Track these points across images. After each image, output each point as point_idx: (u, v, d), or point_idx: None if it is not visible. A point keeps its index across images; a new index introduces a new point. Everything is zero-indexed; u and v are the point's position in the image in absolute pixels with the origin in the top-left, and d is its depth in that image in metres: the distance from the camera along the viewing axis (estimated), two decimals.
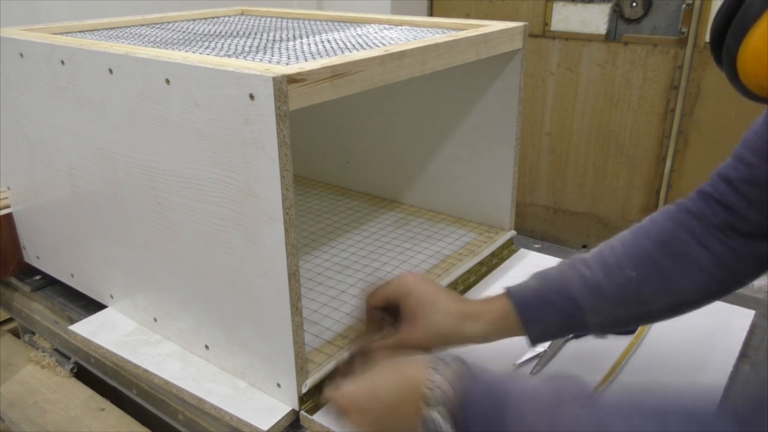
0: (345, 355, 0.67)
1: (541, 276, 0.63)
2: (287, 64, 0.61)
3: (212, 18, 1.04)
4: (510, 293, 0.62)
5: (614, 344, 0.74)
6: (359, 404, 0.53)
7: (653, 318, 0.64)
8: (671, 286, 0.59)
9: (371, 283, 0.68)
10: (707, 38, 1.92)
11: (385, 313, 0.66)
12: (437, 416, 0.48)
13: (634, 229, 0.63)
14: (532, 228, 2.43)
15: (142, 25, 0.94)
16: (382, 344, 0.63)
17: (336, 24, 0.95)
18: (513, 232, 0.99)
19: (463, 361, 0.50)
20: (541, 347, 0.74)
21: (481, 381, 0.48)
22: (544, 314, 0.61)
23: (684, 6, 1.94)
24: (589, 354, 0.73)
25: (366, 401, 0.53)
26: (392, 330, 0.64)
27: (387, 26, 0.92)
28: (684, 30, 1.95)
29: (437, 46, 0.71)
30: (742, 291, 0.95)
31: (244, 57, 0.66)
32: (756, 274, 0.59)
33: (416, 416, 0.49)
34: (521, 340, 0.62)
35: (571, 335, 0.65)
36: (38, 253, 0.95)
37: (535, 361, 0.72)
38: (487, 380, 0.49)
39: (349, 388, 0.55)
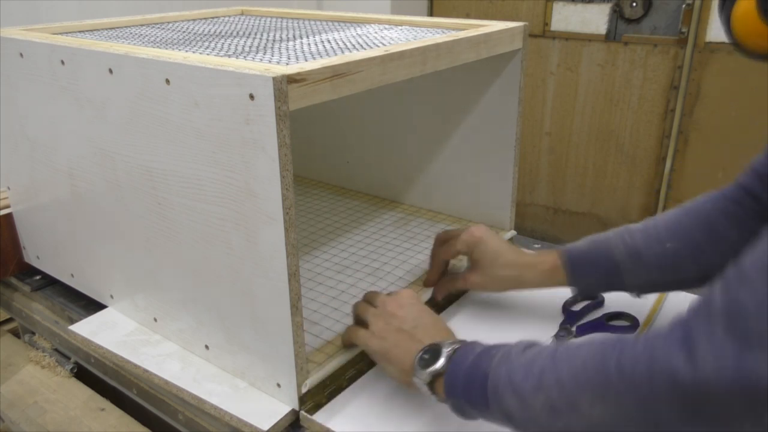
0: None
1: (591, 239, 0.73)
2: (287, 64, 0.61)
3: (212, 18, 1.04)
4: (561, 251, 0.73)
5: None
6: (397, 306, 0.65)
7: (683, 285, 0.71)
8: (702, 259, 0.67)
9: (442, 230, 0.84)
10: (707, 38, 1.92)
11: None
12: (441, 348, 0.58)
13: (678, 208, 0.71)
14: (532, 228, 2.43)
15: (142, 25, 0.94)
16: (451, 284, 0.79)
17: (336, 24, 0.95)
18: (513, 232, 0.99)
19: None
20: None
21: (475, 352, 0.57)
22: (587, 271, 0.71)
23: (684, 6, 1.94)
24: None
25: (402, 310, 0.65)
26: (464, 272, 0.78)
27: (387, 26, 0.92)
28: (684, 30, 1.95)
29: (437, 46, 0.71)
30: None
31: (244, 57, 0.66)
32: None
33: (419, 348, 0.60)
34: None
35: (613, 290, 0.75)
36: (38, 253, 0.95)
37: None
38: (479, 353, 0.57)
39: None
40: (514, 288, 0.76)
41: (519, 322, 0.80)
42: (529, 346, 0.54)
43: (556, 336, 0.77)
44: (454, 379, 0.56)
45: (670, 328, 0.43)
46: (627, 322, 0.79)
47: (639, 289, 0.71)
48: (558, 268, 0.72)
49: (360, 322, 0.69)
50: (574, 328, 0.78)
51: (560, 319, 0.80)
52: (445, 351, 0.58)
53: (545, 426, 0.50)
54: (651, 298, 0.82)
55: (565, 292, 0.76)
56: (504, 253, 0.75)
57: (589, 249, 0.72)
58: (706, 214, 0.68)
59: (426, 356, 0.58)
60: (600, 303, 0.82)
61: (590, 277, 0.71)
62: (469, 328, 0.79)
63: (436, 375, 0.57)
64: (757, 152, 0.68)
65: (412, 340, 0.61)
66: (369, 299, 0.70)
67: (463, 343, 0.58)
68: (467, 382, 0.55)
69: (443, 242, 0.80)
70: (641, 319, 0.79)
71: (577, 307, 0.82)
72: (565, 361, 0.49)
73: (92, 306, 0.86)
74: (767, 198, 0.64)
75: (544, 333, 0.77)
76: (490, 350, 0.56)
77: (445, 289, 0.80)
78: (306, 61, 0.63)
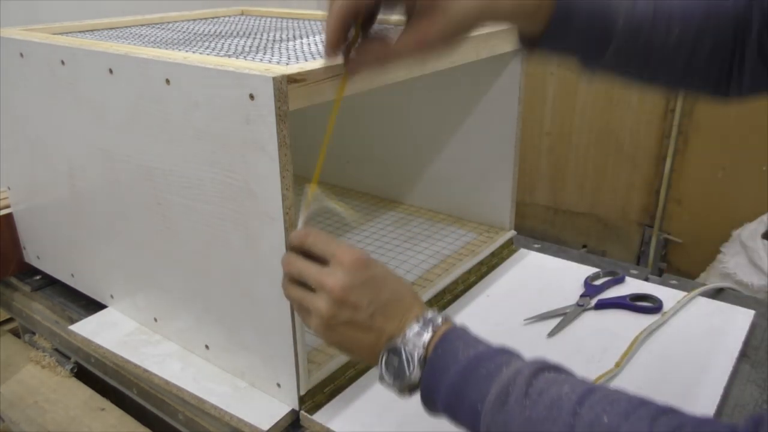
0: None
1: None
2: (287, 64, 0.61)
3: (212, 18, 1.04)
4: None
5: (617, 341, 0.74)
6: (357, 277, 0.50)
7: (652, 81, 0.59)
8: (693, 65, 0.55)
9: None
10: None
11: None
12: (411, 350, 0.48)
13: None
14: (532, 228, 2.43)
15: (142, 25, 0.94)
16: (393, 48, 0.51)
17: None
18: (513, 232, 0.99)
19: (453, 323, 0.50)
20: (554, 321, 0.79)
21: (462, 341, 0.48)
22: (576, 25, 0.54)
23: None
24: (591, 352, 0.73)
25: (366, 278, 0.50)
26: (403, 29, 0.52)
27: (387, 26, 0.91)
28: None
29: None
30: (742, 291, 0.95)
31: (244, 57, 0.66)
32: (739, 92, 0.56)
33: (397, 329, 0.49)
34: (529, 300, 0.71)
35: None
36: (38, 253, 0.95)
37: (540, 320, 0.79)
38: (467, 344, 0.48)
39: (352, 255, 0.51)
40: (480, 25, 0.52)
41: (540, 294, 0.84)
42: (534, 376, 0.43)
43: (576, 305, 0.81)
44: (433, 394, 0.47)
45: None
46: (651, 303, 0.82)
47: (603, 68, 0.57)
48: (542, 7, 0.53)
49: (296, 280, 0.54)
50: (593, 302, 0.81)
51: (580, 292, 0.85)
52: (415, 355, 0.48)
53: None
54: (679, 293, 0.84)
55: (586, 269, 0.82)
56: None
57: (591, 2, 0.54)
58: (729, 15, 0.54)
59: (393, 362, 0.49)
60: (621, 279, 0.87)
61: (575, 33, 0.54)
62: (492, 302, 0.82)
63: (411, 387, 0.49)
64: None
65: (371, 332, 0.50)
66: (301, 271, 0.53)
67: (435, 332, 0.48)
68: (451, 402, 0.46)
69: None
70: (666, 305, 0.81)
71: (598, 282, 0.86)
72: None
73: (92, 306, 0.86)
74: None
75: (564, 303, 0.82)
76: (478, 365, 0.45)
77: (371, 57, 0.52)
78: (306, 61, 0.63)
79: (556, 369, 0.45)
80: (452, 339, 0.48)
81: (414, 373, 0.47)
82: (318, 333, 0.53)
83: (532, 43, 0.57)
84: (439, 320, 0.49)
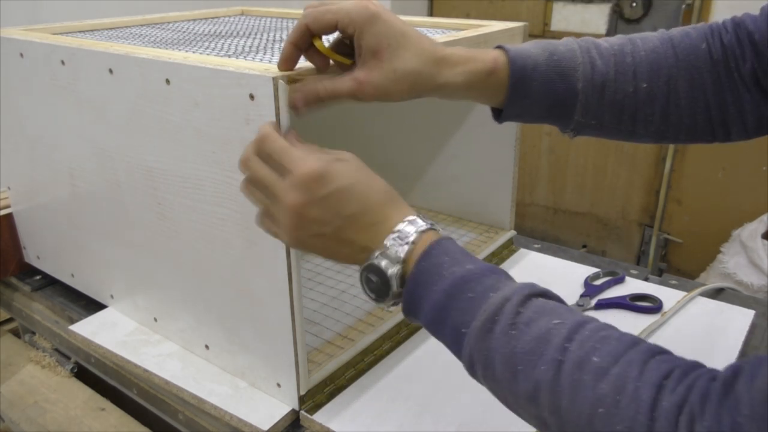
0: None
1: (549, 48, 0.54)
2: None
3: (212, 18, 1.04)
4: (509, 52, 0.54)
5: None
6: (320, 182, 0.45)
7: (630, 137, 0.58)
8: (671, 114, 0.55)
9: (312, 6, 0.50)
10: None
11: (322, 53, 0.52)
12: (388, 266, 0.44)
13: (664, 36, 0.56)
14: (532, 228, 2.43)
15: (142, 25, 0.94)
16: (330, 88, 0.50)
17: None
18: (513, 232, 0.99)
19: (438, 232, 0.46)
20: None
21: (448, 253, 0.44)
22: (535, 90, 0.54)
23: (684, 6, 1.94)
24: None
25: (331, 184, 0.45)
26: (343, 70, 0.52)
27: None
28: None
29: None
30: (742, 291, 0.95)
31: (244, 57, 0.66)
32: (744, 133, 0.56)
33: (371, 242, 0.45)
34: None
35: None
36: (38, 253, 0.95)
37: None
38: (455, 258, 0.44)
39: (311, 161, 0.45)
40: (423, 92, 0.52)
41: None
42: (522, 304, 0.41)
43: (576, 305, 0.80)
44: (415, 311, 0.44)
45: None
46: (651, 303, 0.82)
47: (579, 130, 0.57)
48: (496, 72, 0.53)
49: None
50: (593, 302, 0.81)
51: (580, 292, 0.84)
52: (394, 271, 0.44)
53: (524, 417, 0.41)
54: (679, 293, 0.84)
55: (586, 269, 0.78)
56: (412, 35, 0.51)
57: (546, 61, 0.54)
58: (695, 55, 0.54)
59: (372, 278, 0.45)
60: (621, 279, 0.87)
61: (534, 97, 0.54)
62: None
63: (393, 302, 0.46)
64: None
65: (343, 245, 0.46)
66: (259, 178, 0.48)
67: (416, 244, 0.44)
68: (433, 320, 0.44)
69: (315, 17, 0.50)
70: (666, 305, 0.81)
71: (598, 282, 0.86)
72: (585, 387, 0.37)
73: (92, 306, 0.86)
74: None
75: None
76: (464, 287, 0.42)
77: (314, 93, 0.51)
78: (306, 61, 0.63)
79: (546, 295, 0.43)
80: (437, 253, 0.44)
81: (394, 290, 0.44)
82: (289, 245, 0.49)
83: (497, 112, 0.57)
84: (421, 227, 0.45)
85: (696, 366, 0.37)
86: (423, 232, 0.45)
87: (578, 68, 0.54)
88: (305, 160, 0.45)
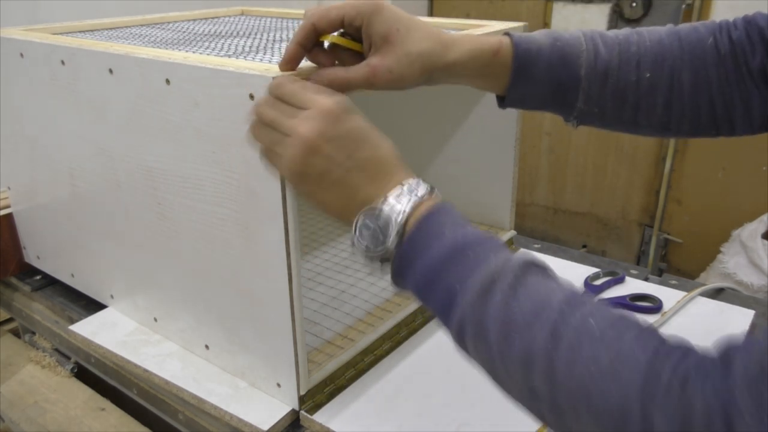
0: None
1: (553, 35, 0.56)
2: None
3: (212, 18, 1.04)
4: (514, 38, 0.55)
5: None
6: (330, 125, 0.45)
7: (633, 128, 0.59)
8: (674, 106, 0.56)
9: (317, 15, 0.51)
10: None
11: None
12: (390, 215, 0.44)
13: (671, 30, 0.57)
14: (532, 228, 2.43)
15: (142, 25, 0.94)
16: (344, 76, 0.51)
17: None
18: (513, 232, 0.99)
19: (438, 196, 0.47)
20: None
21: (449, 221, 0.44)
22: (539, 74, 0.55)
23: (684, 6, 1.94)
24: None
25: (339, 127, 0.45)
26: (354, 61, 0.52)
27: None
28: None
29: None
30: (742, 291, 0.95)
31: (244, 57, 0.66)
32: (750, 128, 0.57)
33: (376, 191, 0.45)
34: None
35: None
36: (38, 253, 0.95)
37: None
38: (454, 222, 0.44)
39: (329, 102, 0.45)
40: (434, 72, 0.53)
41: None
42: (522, 275, 0.41)
43: None
44: (406, 268, 0.44)
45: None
46: (651, 303, 0.81)
47: (581, 119, 0.58)
48: (500, 54, 0.54)
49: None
50: None
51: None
52: (395, 220, 0.43)
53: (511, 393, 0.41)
54: (679, 293, 0.83)
55: (586, 269, 0.78)
56: (419, 21, 0.53)
57: (550, 48, 0.55)
58: (702, 49, 0.55)
59: (369, 225, 0.44)
60: (621, 279, 0.86)
61: (537, 82, 0.55)
62: None
63: (383, 256, 0.45)
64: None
65: (345, 189, 0.46)
66: (274, 118, 0.47)
67: (420, 203, 0.44)
68: (427, 279, 0.43)
69: (320, 16, 0.51)
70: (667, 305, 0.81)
71: (598, 282, 0.86)
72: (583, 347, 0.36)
73: (92, 306, 0.86)
74: None
75: None
76: (465, 247, 0.42)
77: (327, 83, 0.52)
78: (306, 61, 0.63)
79: (544, 269, 0.43)
80: (439, 214, 0.44)
81: (390, 240, 0.43)
82: (287, 179, 0.49)
83: (501, 98, 0.59)
84: (425, 190, 0.45)
85: (686, 341, 0.39)
86: (429, 191, 0.46)
87: (582, 55, 0.55)
88: (325, 98, 0.46)
